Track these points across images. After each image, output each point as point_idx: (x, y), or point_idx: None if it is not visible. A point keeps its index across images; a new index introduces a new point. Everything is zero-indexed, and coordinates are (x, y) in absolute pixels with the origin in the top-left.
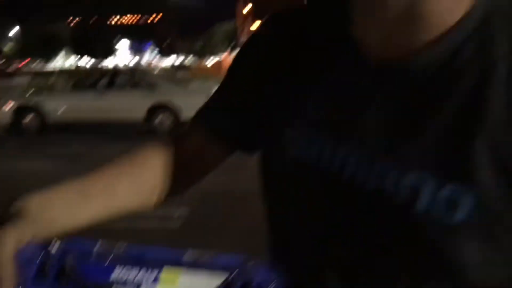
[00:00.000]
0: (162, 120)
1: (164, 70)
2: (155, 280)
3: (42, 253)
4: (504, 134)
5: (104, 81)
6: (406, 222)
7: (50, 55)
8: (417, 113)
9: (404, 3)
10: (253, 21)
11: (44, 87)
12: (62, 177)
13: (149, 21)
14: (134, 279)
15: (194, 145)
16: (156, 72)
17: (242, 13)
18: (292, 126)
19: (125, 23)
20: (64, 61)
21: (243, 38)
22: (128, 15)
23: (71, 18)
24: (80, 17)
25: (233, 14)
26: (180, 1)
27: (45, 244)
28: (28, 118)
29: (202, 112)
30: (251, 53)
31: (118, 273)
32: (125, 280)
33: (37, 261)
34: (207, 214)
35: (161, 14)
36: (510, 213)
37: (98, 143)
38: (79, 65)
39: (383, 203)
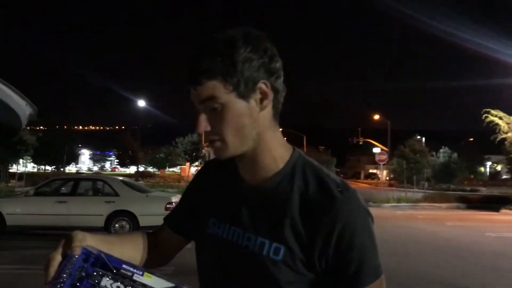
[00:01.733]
0: (121, 226)
1: (125, 179)
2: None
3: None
4: (296, 222)
5: (65, 188)
6: (259, 261)
7: (11, 160)
8: (263, 210)
9: (249, 164)
10: None
11: (4, 190)
12: (16, 280)
13: (112, 131)
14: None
15: (164, 236)
16: (116, 181)
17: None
18: (210, 217)
19: (88, 132)
20: (25, 165)
21: (204, 150)
22: (91, 126)
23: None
24: (44, 125)
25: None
26: (144, 116)
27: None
28: None
29: (168, 216)
30: (194, 179)
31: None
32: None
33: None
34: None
35: (123, 126)
36: (300, 256)
37: (53, 248)
38: (41, 169)
39: (250, 253)
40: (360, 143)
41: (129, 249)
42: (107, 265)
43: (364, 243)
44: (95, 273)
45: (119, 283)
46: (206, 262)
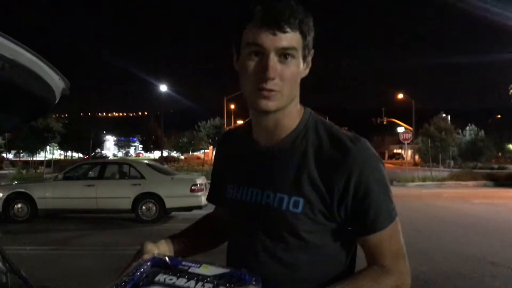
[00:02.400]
0: (148, 208)
1: (150, 163)
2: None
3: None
4: (313, 176)
5: (93, 172)
6: (279, 215)
7: (38, 147)
8: (280, 168)
9: (273, 123)
10: (235, 120)
11: (34, 176)
12: (48, 263)
13: (135, 117)
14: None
15: (218, 212)
16: (142, 164)
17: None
18: (228, 183)
19: (112, 119)
20: (52, 152)
21: None
22: (114, 113)
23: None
24: (69, 113)
25: (217, 113)
26: (167, 102)
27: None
28: (18, 206)
29: (208, 194)
30: (215, 157)
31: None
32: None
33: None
34: None
35: (146, 112)
36: (319, 207)
37: (85, 230)
38: (68, 155)
39: (269, 209)
40: (384, 123)
41: (199, 245)
42: (168, 264)
43: (379, 189)
44: (151, 273)
45: (173, 276)
46: (230, 226)
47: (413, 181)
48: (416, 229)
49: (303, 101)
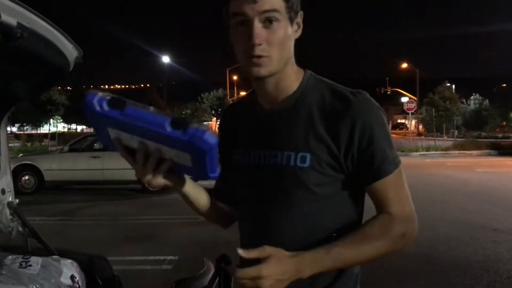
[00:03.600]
0: None
1: None
2: None
3: None
4: (318, 130)
5: (98, 143)
6: (287, 171)
7: (42, 120)
8: (285, 127)
9: (272, 86)
10: (238, 91)
11: (39, 148)
12: (58, 233)
13: (137, 89)
14: None
15: (220, 186)
16: None
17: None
18: (236, 150)
19: (114, 91)
20: (56, 125)
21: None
22: (117, 85)
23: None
24: (71, 86)
25: (220, 84)
26: (169, 73)
27: None
28: (25, 178)
29: None
30: (219, 128)
31: None
32: None
33: None
34: (196, 258)
35: (148, 84)
36: (326, 160)
37: (91, 201)
38: (71, 128)
39: (279, 167)
40: (388, 92)
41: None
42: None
43: (382, 137)
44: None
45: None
46: (241, 191)
47: (417, 150)
48: (420, 197)
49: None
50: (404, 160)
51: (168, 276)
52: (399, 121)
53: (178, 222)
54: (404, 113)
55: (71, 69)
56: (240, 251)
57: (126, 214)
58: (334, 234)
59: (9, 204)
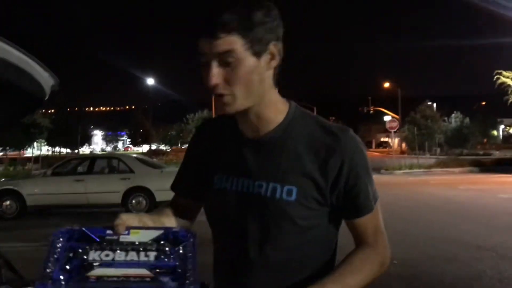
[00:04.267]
0: (138, 202)
1: (139, 156)
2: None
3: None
4: (306, 164)
5: (82, 167)
6: (272, 203)
7: (25, 143)
8: (271, 158)
9: (254, 117)
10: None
11: (22, 172)
12: (40, 259)
13: (123, 111)
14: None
15: (179, 203)
16: (131, 158)
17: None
18: (215, 174)
19: (100, 113)
20: (40, 148)
21: None
22: (102, 107)
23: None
24: (55, 109)
25: (206, 105)
26: (154, 95)
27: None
28: (6, 203)
29: (174, 183)
30: (190, 144)
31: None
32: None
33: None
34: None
35: (133, 106)
36: (312, 194)
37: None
38: (55, 151)
39: (263, 197)
40: (371, 111)
41: (166, 220)
42: (91, 237)
43: (367, 174)
44: (80, 250)
45: (107, 251)
46: (217, 217)
47: (400, 169)
48: (403, 216)
49: (288, 91)
50: (387, 178)
51: None
52: (382, 139)
53: None
54: (387, 132)
55: (47, 97)
56: None
57: None
58: (315, 261)
59: None
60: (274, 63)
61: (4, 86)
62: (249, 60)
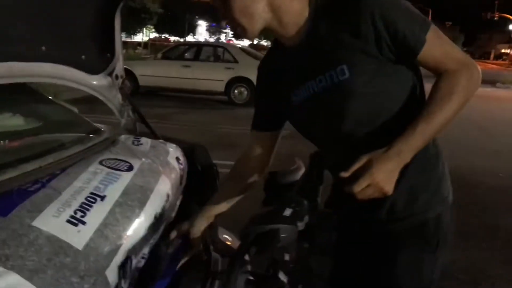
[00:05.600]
0: (240, 92)
1: (244, 47)
2: None
3: None
4: (344, 38)
5: (189, 54)
6: (337, 89)
7: (136, 27)
8: (316, 52)
9: (282, 30)
10: None
11: (132, 55)
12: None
13: None
14: None
15: (257, 147)
16: (236, 48)
17: None
18: (289, 93)
19: (205, 3)
20: (148, 34)
21: None
22: None
23: None
24: None
25: None
26: None
27: None
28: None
29: (254, 124)
30: (257, 84)
31: None
32: None
33: None
34: (275, 167)
35: None
36: (362, 61)
37: (181, 108)
38: (163, 37)
39: (326, 89)
40: (495, 18)
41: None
42: None
43: (402, 13)
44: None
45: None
46: (305, 126)
47: None
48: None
49: None
50: (503, 92)
51: None
52: (502, 50)
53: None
54: (510, 42)
55: None
56: (343, 173)
57: (213, 122)
58: (401, 110)
59: (121, 90)
60: None
61: None
62: None
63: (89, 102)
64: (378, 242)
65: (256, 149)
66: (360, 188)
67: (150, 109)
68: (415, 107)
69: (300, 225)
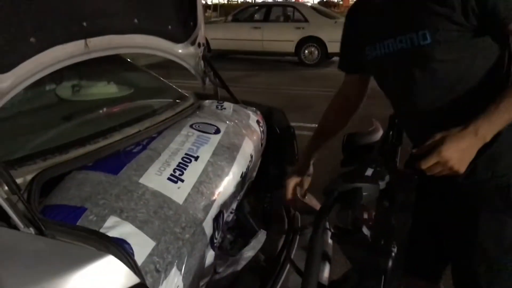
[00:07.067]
0: (310, 52)
1: (314, 5)
2: None
3: None
4: (430, 4)
5: (259, 15)
6: (414, 52)
7: None
8: (399, 14)
9: None
10: None
11: (204, 19)
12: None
13: None
14: None
15: (349, 85)
16: (306, 7)
17: None
18: (365, 46)
19: None
20: None
21: None
22: None
23: None
24: None
25: None
26: None
27: None
28: None
29: (340, 63)
30: (344, 25)
31: None
32: None
33: None
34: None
35: None
36: (446, 28)
37: (251, 71)
38: (232, 1)
39: (406, 51)
40: None
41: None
42: None
43: None
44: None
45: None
46: (381, 81)
47: None
48: None
49: None
50: None
51: None
52: None
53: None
54: None
55: None
56: (414, 150)
57: (283, 84)
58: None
59: (204, 57)
60: None
61: None
62: None
63: (165, 67)
64: (459, 202)
65: (345, 89)
66: (427, 165)
67: (222, 72)
68: (500, 82)
69: (381, 184)
